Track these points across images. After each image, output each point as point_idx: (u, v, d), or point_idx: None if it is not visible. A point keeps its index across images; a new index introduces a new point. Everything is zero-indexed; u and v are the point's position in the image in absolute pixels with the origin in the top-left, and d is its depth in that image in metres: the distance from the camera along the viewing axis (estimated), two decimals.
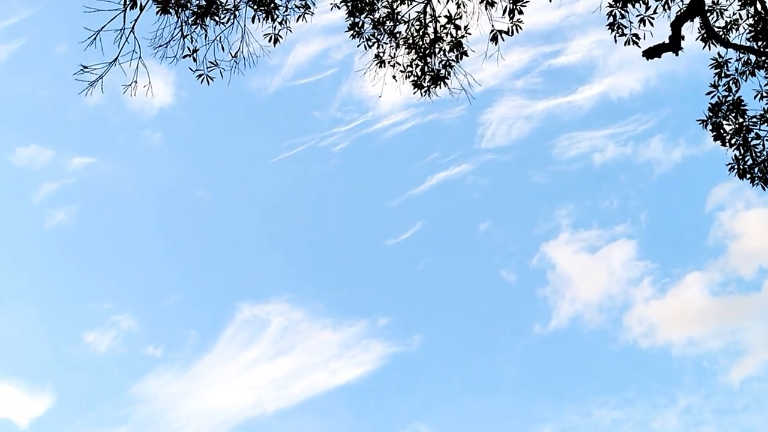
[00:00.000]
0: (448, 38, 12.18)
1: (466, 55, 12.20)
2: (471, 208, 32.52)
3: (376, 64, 12.37)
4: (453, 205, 32.86)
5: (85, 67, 8.95)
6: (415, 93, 12.58)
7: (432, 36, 12.22)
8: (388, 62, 12.40)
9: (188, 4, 10.43)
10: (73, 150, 30.40)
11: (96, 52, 8.80)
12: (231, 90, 28.60)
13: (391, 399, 29.91)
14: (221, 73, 11.04)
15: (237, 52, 11.01)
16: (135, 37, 9.22)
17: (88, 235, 31.51)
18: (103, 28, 8.78)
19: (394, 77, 12.46)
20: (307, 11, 11.64)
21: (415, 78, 12.51)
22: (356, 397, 29.79)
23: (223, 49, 10.92)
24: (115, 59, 9.13)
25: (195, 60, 10.84)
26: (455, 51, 12.24)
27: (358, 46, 12.26)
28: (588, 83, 30.54)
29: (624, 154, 30.92)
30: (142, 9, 9.76)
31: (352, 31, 12.10)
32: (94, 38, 8.76)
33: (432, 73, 12.38)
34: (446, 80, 12.41)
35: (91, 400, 29.04)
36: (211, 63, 10.98)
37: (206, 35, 10.78)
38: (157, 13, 10.23)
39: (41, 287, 30.75)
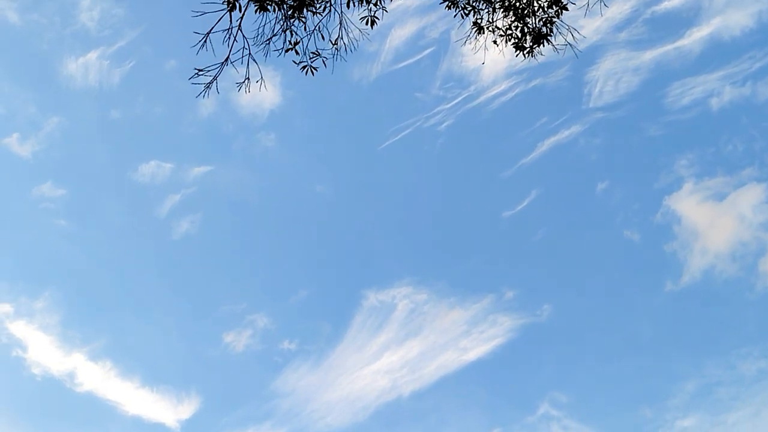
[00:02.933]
0: None
1: (566, 10, 11.86)
2: (586, 170, 31.85)
3: (475, 32, 12.18)
4: (567, 169, 32.28)
5: (199, 70, 9.16)
6: (517, 55, 12.33)
7: None
8: (487, 28, 12.19)
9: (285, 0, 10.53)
10: (192, 161, 31.49)
11: (208, 55, 9.01)
12: (335, 83, 28.98)
13: (525, 371, 29.70)
14: (324, 62, 11.11)
15: (337, 38, 11.06)
16: (243, 35, 9.38)
17: (215, 240, 32.60)
18: (211, 29, 8.97)
19: (495, 42, 12.23)
20: None
21: (516, 40, 12.25)
22: (489, 372, 29.75)
23: (323, 38, 10.99)
24: (227, 59, 9.31)
25: (297, 53, 10.94)
26: (554, 7, 11.91)
27: (455, 15, 12.10)
28: (695, 26, 29.35)
29: (742, 94, 29.58)
30: (242, 9, 9.93)
31: (447, 2, 11.95)
32: (204, 41, 8.96)
33: (533, 33, 12.10)
34: (549, 37, 12.10)
35: (235, 398, 30.09)
36: (313, 53, 11.05)
37: (305, 26, 10.86)
38: (255, 11, 10.38)
39: (177, 296, 32.02)
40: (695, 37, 29.37)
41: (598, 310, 30.90)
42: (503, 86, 29.54)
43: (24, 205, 29.85)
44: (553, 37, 12.02)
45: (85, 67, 28.18)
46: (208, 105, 29.60)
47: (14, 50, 28.93)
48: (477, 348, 29.50)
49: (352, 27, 11.19)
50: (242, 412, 29.44)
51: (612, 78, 29.87)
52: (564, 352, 30.41)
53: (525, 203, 31.29)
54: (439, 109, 30.36)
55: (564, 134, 30.61)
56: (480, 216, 32.93)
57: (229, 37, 9.28)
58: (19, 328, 28.02)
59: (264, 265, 32.84)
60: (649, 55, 29.79)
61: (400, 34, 29.28)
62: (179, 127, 31.84)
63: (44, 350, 28.20)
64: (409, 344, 29.97)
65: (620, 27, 29.33)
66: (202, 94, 9.40)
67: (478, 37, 12.20)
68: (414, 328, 30.14)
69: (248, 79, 9.68)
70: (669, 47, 29.77)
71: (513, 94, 29.90)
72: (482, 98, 30.02)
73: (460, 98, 30.17)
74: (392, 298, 30.62)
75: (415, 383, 29.20)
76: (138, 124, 31.11)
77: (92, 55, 28.40)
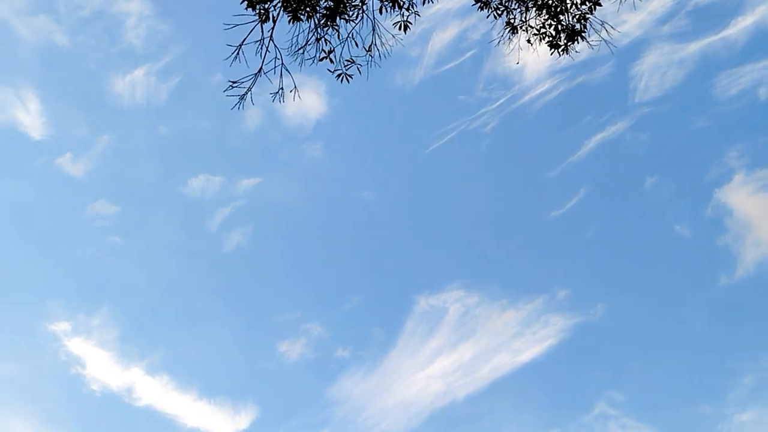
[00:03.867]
0: None
1: (599, 5, 11.78)
2: (634, 166, 31.44)
3: (509, 32, 12.18)
4: (615, 166, 31.90)
5: (233, 83, 9.36)
6: (552, 53, 12.28)
7: None
8: (520, 27, 12.17)
9: (317, 8, 10.67)
10: (240, 173, 31.98)
11: (241, 67, 9.19)
12: (378, 89, 29.18)
13: (580, 371, 29.41)
14: (359, 70, 11.22)
15: (370, 45, 11.16)
16: (275, 46, 9.55)
17: (265, 251, 33.03)
18: (243, 41, 9.16)
19: (528, 41, 12.20)
20: None
21: (550, 38, 12.20)
22: (544, 373, 29.56)
23: (357, 45, 11.09)
24: (259, 70, 9.49)
25: (332, 61, 11.07)
26: (587, 2, 11.84)
27: (487, 17, 12.11)
28: (740, 15, 28.77)
29: None
30: (274, 20, 10.10)
31: (479, 3, 11.97)
32: (237, 53, 9.15)
33: (567, 30, 12.03)
34: (582, 34, 12.03)
35: (291, 407, 30.41)
36: (348, 61, 11.17)
37: (338, 34, 10.98)
38: (289, 21, 10.54)
39: (231, 308, 32.50)
40: (740, 26, 28.75)
41: (651, 306, 30.43)
42: (547, 85, 29.33)
43: (79, 224, 30.65)
44: (587, 34, 11.95)
45: (132, 84, 28.88)
46: (254, 117, 30.05)
47: (64, 72, 29.78)
48: (530, 349, 29.33)
49: (386, 33, 11.28)
50: (298, 420, 29.73)
51: (657, 72, 29.44)
52: (618, 350, 30.03)
53: (573, 202, 31.01)
54: (483, 110, 30.30)
55: (610, 130, 30.26)
56: (528, 216, 32.76)
57: (261, 48, 9.46)
58: (78, 346, 28.75)
59: (315, 274, 33.18)
60: (694, 47, 29.27)
61: (441, 38, 29.32)
62: (227, 140, 32.38)
63: (102, 366, 28.88)
64: (462, 348, 29.94)
65: (663, 20, 28.89)
66: (237, 106, 9.59)
67: (512, 37, 12.20)
68: (466, 332, 30.11)
69: (282, 89, 9.85)
70: (713, 38, 29.21)
71: (557, 92, 29.66)
72: (526, 98, 29.86)
73: (504, 99, 30.06)
74: (443, 302, 30.63)
75: (469, 386, 29.15)
76: (186, 138, 31.75)
77: (139, 72, 29.08)
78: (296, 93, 9.87)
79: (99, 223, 30.32)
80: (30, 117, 28.28)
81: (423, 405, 29.01)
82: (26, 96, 28.24)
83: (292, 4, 10.24)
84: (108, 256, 30.99)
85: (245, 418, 28.90)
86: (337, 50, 11.06)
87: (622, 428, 27.60)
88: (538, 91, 29.52)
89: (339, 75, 11.17)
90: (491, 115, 30.25)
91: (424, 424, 28.87)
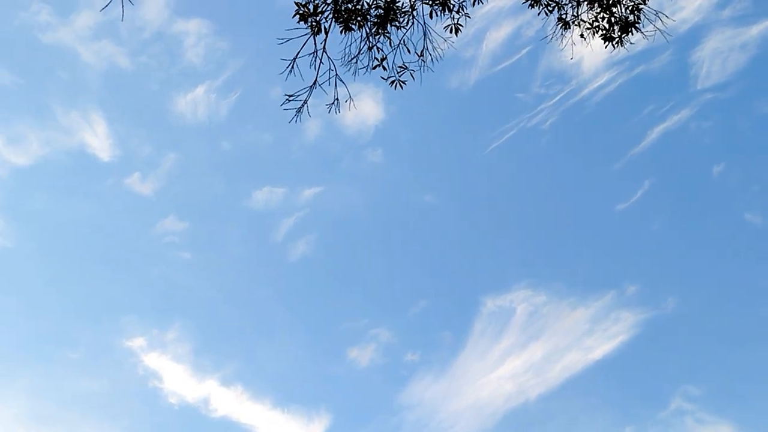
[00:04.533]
0: None
1: None
2: (700, 154, 30.75)
3: (561, 28, 12.09)
4: (680, 156, 31.24)
5: (289, 96, 9.52)
6: (606, 47, 12.15)
7: None
8: (573, 22, 12.07)
9: (367, 17, 10.78)
10: (302, 183, 32.39)
11: (297, 80, 9.35)
12: (435, 92, 29.23)
13: (654, 366, 28.90)
14: (412, 75, 11.28)
15: (422, 50, 11.21)
16: (329, 57, 9.68)
17: (331, 259, 33.35)
18: (297, 55, 9.32)
19: (582, 36, 12.09)
20: None
21: (604, 31, 12.06)
22: (616, 370, 29.14)
23: (408, 51, 11.16)
24: (314, 82, 9.63)
25: (385, 68, 11.16)
26: None
27: (538, 14, 12.04)
28: None
29: None
30: (326, 32, 10.24)
31: (529, 1, 11.91)
32: (291, 66, 9.32)
33: (620, 22, 11.88)
34: (636, 25, 11.87)
35: (364, 413, 30.61)
36: (400, 67, 11.24)
37: (390, 42, 11.07)
38: (341, 32, 10.68)
39: (299, 316, 32.91)
40: None
41: (724, 297, 29.69)
42: (605, 77, 28.89)
43: (149, 241, 31.45)
44: (642, 25, 11.78)
45: (194, 102, 29.54)
46: (314, 127, 30.42)
47: (128, 93, 30.63)
48: (602, 346, 28.93)
49: (437, 37, 11.32)
50: (372, 426, 29.91)
51: (719, 57, 28.72)
52: (693, 343, 29.37)
53: (638, 194, 30.46)
54: (541, 107, 30.02)
55: (673, 120, 29.64)
56: (593, 211, 32.32)
57: (315, 60, 9.61)
58: (154, 360, 29.47)
59: (381, 280, 33.35)
60: (757, 30, 28.48)
61: (495, 37, 29.17)
62: (288, 152, 32.83)
63: (179, 379, 29.55)
64: (532, 348, 29.71)
65: (723, 4, 28.21)
66: (294, 119, 9.75)
67: (564, 33, 12.10)
68: (535, 331, 29.87)
69: (337, 99, 9.98)
70: None
71: (616, 84, 29.18)
72: (585, 92, 29.46)
73: (562, 94, 29.73)
74: (510, 302, 30.45)
75: (541, 386, 28.91)
76: (248, 152, 32.28)
77: (200, 90, 29.72)
78: (351, 102, 10.00)
79: (169, 239, 31.08)
80: (98, 139, 29.19)
81: (495, 406, 28.89)
82: (93, 119, 29.16)
83: (343, 15, 10.37)
84: (179, 272, 31.73)
85: (319, 426, 29.21)
86: (390, 57, 11.15)
87: (699, 423, 27.02)
88: (597, 84, 29.10)
89: (392, 82, 11.25)
90: (550, 111, 29.96)
91: (498, 425, 28.74)
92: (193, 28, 28.85)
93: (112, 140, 29.50)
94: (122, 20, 8.31)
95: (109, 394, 29.60)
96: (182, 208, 31.77)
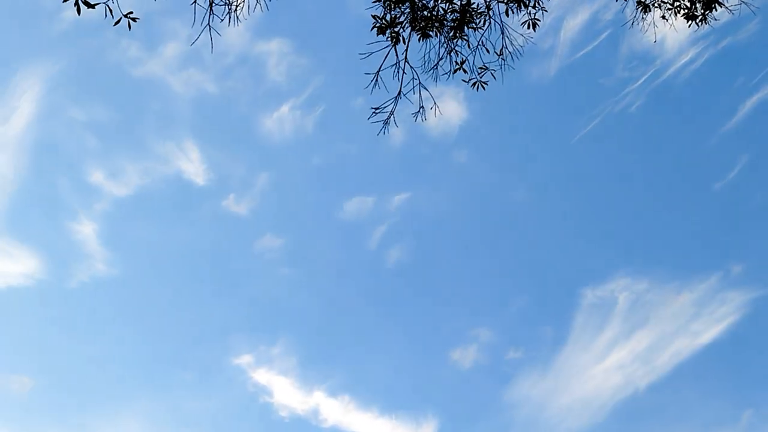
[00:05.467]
0: None
1: None
2: None
3: (641, 11, 11.86)
4: None
5: (375, 109, 9.67)
6: (690, 25, 11.85)
7: None
8: (652, 4, 11.83)
9: (444, 22, 10.84)
10: (392, 190, 32.64)
11: (381, 92, 9.49)
12: (515, 86, 29.04)
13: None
14: (493, 75, 11.27)
15: (501, 49, 11.18)
16: (410, 66, 9.78)
17: (426, 262, 33.47)
18: (380, 68, 9.46)
19: (663, 17, 11.84)
20: None
21: (686, 10, 11.78)
22: (728, 353, 28.30)
23: (487, 51, 11.15)
24: (399, 93, 9.75)
25: (465, 71, 11.19)
26: None
27: (616, 0, 11.85)
28: None
29: None
30: (405, 41, 10.35)
31: None
32: (375, 79, 9.46)
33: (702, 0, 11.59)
34: (719, 1, 11.55)
35: (471, 414, 30.60)
36: (480, 68, 11.25)
37: (468, 44, 11.09)
38: (419, 40, 10.76)
39: (399, 322, 33.17)
40: None
41: None
42: (691, 53, 28.03)
43: (249, 260, 32.26)
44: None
45: (280, 120, 30.20)
46: (399, 133, 30.63)
47: (216, 118, 31.54)
48: (710, 330, 28.10)
49: (515, 34, 11.27)
50: (480, 427, 29.86)
51: None
52: None
53: (736, 170, 29.44)
54: (627, 90, 29.32)
55: (766, 90, 28.53)
56: (689, 192, 31.40)
57: (397, 71, 9.72)
58: (262, 376, 30.21)
59: (478, 279, 33.27)
60: None
61: (573, 25, 28.66)
62: (375, 160, 33.16)
63: (287, 393, 30.19)
64: (637, 337, 29.08)
65: None
66: (382, 131, 9.89)
67: (645, 16, 11.87)
68: (639, 320, 29.23)
69: (422, 107, 10.07)
70: None
71: (703, 59, 28.25)
72: (671, 70, 28.63)
73: (647, 75, 28.96)
74: (611, 292, 29.89)
75: (650, 376, 28.27)
76: (337, 164, 32.76)
77: (285, 109, 30.34)
78: (436, 108, 10.07)
79: (268, 256, 31.81)
80: (192, 165, 30.16)
81: (604, 399, 28.41)
82: (187, 146, 30.17)
83: (420, 23, 10.46)
84: (280, 287, 32.44)
85: (427, 430, 29.35)
86: (470, 59, 11.17)
87: None
88: (682, 62, 28.25)
89: (474, 83, 11.27)
90: (636, 93, 29.24)
91: (608, 417, 28.26)
92: (274, 48, 29.51)
93: (206, 165, 30.43)
94: (212, 52, 8.63)
95: (223, 411, 30.50)
96: (278, 224, 32.50)
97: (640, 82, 28.99)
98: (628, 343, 28.85)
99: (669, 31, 11.97)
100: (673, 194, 31.72)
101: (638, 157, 32.03)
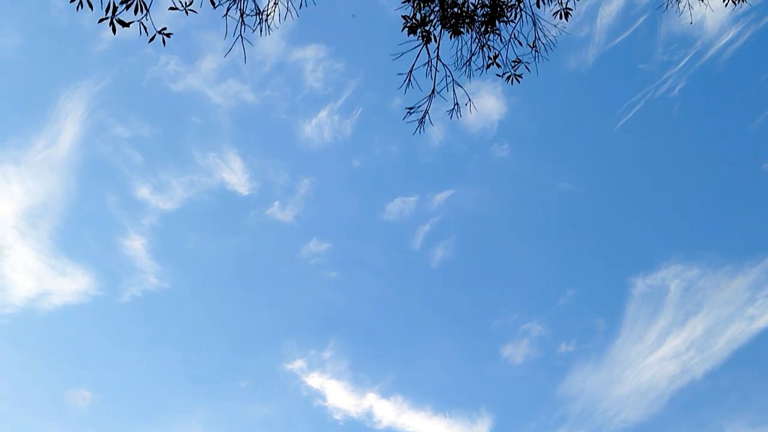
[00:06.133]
0: None
1: None
2: None
3: None
4: None
5: (410, 109, 9.68)
6: (726, 4, 11.62)
7: None
8: None
9: (475, 17, 10.80)
10: (433, 189, 32.65)
11: (415, 91, 9.52)
12: (554, 76, 28.77)
13: None
14: (527, 67, 11.18)
15: (534, 41, 11.10)
16: (443, 64, 9.78)
17: (472, 259, 33.41)
18: (413, 67, 9.48)
19: None
20: None
21: None
22: None
23: (520, 44, 11.07)
24: (432, 91, 9.75)
25: (498, 65, 11.13)
26: None
27: None
28: None
29: None
30: (437, 39, 10.34)
31: None
32: (408, 79, 9.48)
33: None
34: None
35: (525, 410, 30.47)
36: (514, 62, 11.18)
37: (500, 38, 11.03)
38: (450, 37, 10.74)
39: (448, 320, 33.16)
40: None
41: None
42: (732, 33, 27.43)
43: (297, 265, 32.57)
44: None
45: (319, 126, 30.43)
46: (438, 132, 30.59)
47: (257, 127, 31.93)
48: (766, 313, 27.53)
49: (547, 25, 11.18)
50: (535, 422, 29.70)
51: None
52: None
53: None
54: (667, 74, 28.83)
55: None
56: (736, 174, 30.78)
57: (430, 69, 9.72)
58: (315, 380, 30.47)
59: (526, 273, 33.08)
60: None
61: (608, 11, 28.28)
62: (415, 160, 33.19)
63: (340, 396, 30.42)
64: (691, 324, 28.58)
65: None
66: (417, 130, 9.90)
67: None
68: (692, 307, 28.74)
69: (457, 104, 10.05)
70: None
71: (744, 38, 27.63)
72: (712, 51, 28.07)
73: (687, 58, 28.45)
74: (662, 280, 29.44)
75: (707, 363, 27.79)
76: (377, 166, 32.88)
77: (323, 114, 30.56)
78: (471, 104, 10.04)
79: (315, 261, 32.07)
80: (235, 175, 30.57)
81: (660, 388, 28.01)
82: (229, 156, 30.59)
83: (450, 20, 10.44)
84: (328, 291, 32.68)
85: (482, 428, 29.25)
86: (503, 53, 11.10)
87: None
88: (723, 42, 27.67)
89: (508, 77, 11.20)
90: (677, 77, 28.74)
91: (666, 407, 27.86)
92: (310, 54, 29.76)
93: (249, 174, 30.82)
94: (245, 62, 8.73)
95: (279, 417, 30.84)
96: (323, 229, 32.74)
97: (680, 65, 28.51)
98: (683, 330, 28.39)
99: (708, 11, 11.77)
100: (721, 177, 31.16)
101: (683, 141, 31.51)
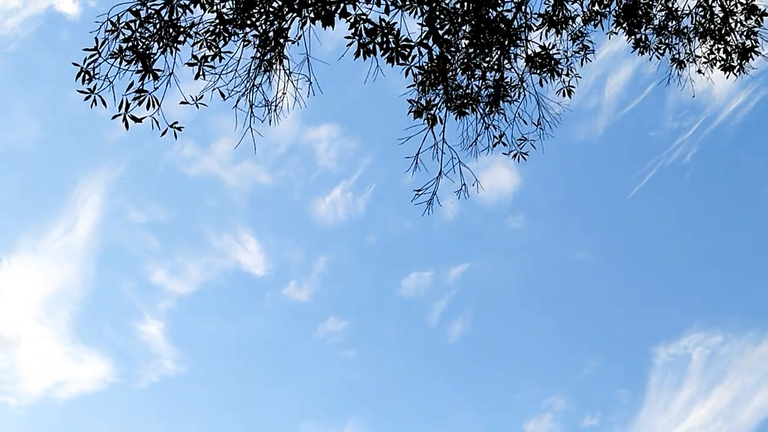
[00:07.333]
0: (739, 8, 11.41)
1: (767, 15, 11.32)
2: None
3: (676, 67, 11.91)
4: None
5: (417, 191, 9.84)
6: (728, 76, 11.84)
7: (721, 15, 11.51)
8: (687, 60, 11.87)
9: (479, 98, 11.05)
10: (448, 263, 32.49)
11: (422, 173, 9.70)
12: (565, 147, 28.86)
13: None
14: (533, 145, 11.36)
15: (539, 119, 11.30)
16: (448, 146, 9.96)
17: (490, 334, 32.97)
18: (419, 150, 9.66)
19: (699, 71, 11.86)
20: (587, 53, 11.75)
21: (722, 62, 11.78)
22: None
23: (525, 122, 11.27)
24: (439, 173, 9.92)
25: (504, 144, 11.31)
26: (751, 17, 11.40)
27: (650, 59, 11.93)
28: None
29: None
30: (442, 122, 10.54)
31: (637, 49, 11.84)
32: (415, 162, 9.67)
33: (738, 50, 11.58)
34: (755, 50, 11.55)
35: None
36: (519, 139, 11.36)
37: (505, 117, 11.24)
38: (455, 118, 10.96)
39: (469, 397, 32.51)
40: None
41: None
42: (741, 98, 27.61)
43: (314, 345, 32.40)
44: (761, 47, 11.44)
45: (333, 204, 30.67)
46: (451, 206, 30.74)
47: (272, 207, 32.23)
48: None
49: (551, 102, 11.38)
50: None
51: None
52: None
53: None
54: (678, 141, 28.96)
55: None
56: (756, 237, 30.56)
57: (436, 152, 9.91)
58: None
59: (546, 346, 32.68)
60: None
61: (617, 81, 28.61)
62: (429, 235, 33.26)
63: None
64: (716, 393, 27.99)
65: None
66: (426, 211, 10.03)
67: (681, 72, 11.91)
68: (717, 375, 28.20)
69: (464, 185, 10.19)
70: None
71: (754, 102, 27.76)
72: (722, 117, 28.22)
73: (697, 124, 28.58)
74: (684, 348, 28.98)
75: None
76: (392, 242, 32.94)
77: (336, 192, 30.83)
78: (478, 185, 10.19)
79: (332, 340, 31.90)
80: (251, 257, 30.75)
81: None
82: (244, 238, 30.83)
83: (455, 102, 10.68)
84: (346, 370, 32.39)
85: None
86: (508, 132, 11.29)
87: None
88: (734, 106, 27.82)
89: (515, 155, 11.37)
90: (688, 143, 28.86)
91: None
92: (323, 134, 30.21)
93: (265, 255, 30.99)
94: (254, 152, 8.95)
95: None
96: (340, 307, 32.63)
97: (691, 131, 28.65)
98: (708, 400, 27.79)
99: (715, 77, 11.99)
100: (738, 241, 30.92)
101: (698, 206, 31.47)
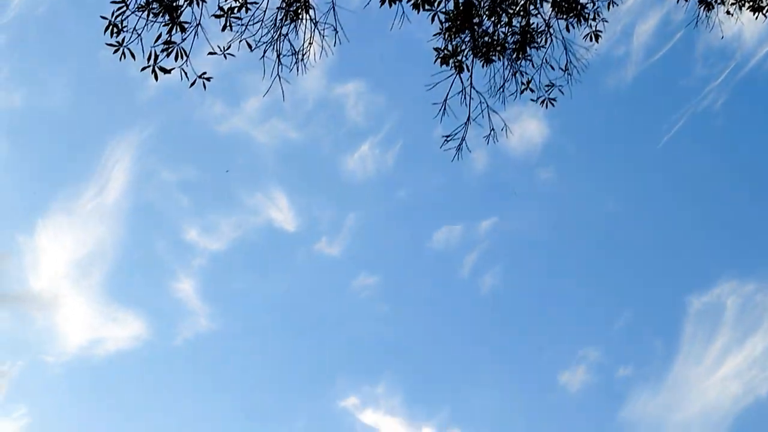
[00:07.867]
0: None
1: None
2: None
3: (704, 10, 11.71)
4: None
5: (446, 137, 9.83)
6: (756, 17, 11.63)
7: None
8: (715, 1, 11.67)
9: (506, 45, 10.96)
10: (478, 216, 32.49)
11: (451, 119, 9.68)
12: (594, 96, 28.63)
13: None
14: (561, 91, 11.28)
15: (566, 64, 11.20)
16: (477, 92, 9.93)
17: (522, 285, 33.02)
18: (447, 96, 9.64)
19: (728, 12, 11.65)
20: None
21: (750, 3, 11.57)
22: None
23: (552, 68, 11.18)
24: (468, 119, 9.90)
25: (532, 90, 11.24)
26: None
27: (677, 1, 11.73)
28: None
29: None
30: (469, 69, 10.50)
31: None
32: (443, 108, 9.65)
33: None
34: None
35: None
36: (547, 86, 11.28)
37: (532, 63, 11.15)
38: (482, 65, 10.90)
39: (502, 349, 32.67)
40: None
41: None
42: None
43: (347, 300, 32.62)
44: None
45: (362, 159, 30.70)
46: (481, 158, 30.56)
47: (301, 164, 32.31)
48: None
49: (579, 48, 11.27)
50: None
51: None
52: None
53: None
54: (708, 89, 28.56)
55: None
56: None
57: (464, 98, 9.88)
58: (369, 417, 30.30)
59: (579, 297, 32.69)
60: None
61: (645, 29, 28.14)
62: (459, 188, 33.22)
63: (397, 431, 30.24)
64: (751, 341, 27.95)
65: None
66: (455, 157, 10.03)
67: (709, 15, 11.70)
68: (751, 324, 28.14)
69: (493, 129, 10.17)
70: None
71: None
72: (752, 62, 27.74)
73: (728, 71, 28.12)
74: (718, 297, 28.90)
75: None
76: (421, 196, 32.95)
77: (365, 147, 30.83)
78: (507, 130, 10.16)
79: (365, 294, 32.10)
80: (282, 213, 30.93)
81: (725, 409, 27.33)
82: (275, 195, 31.00)
83: (482, 49, 10.61)
84: (379, 324, 32.62)
85: None
86: (535, 78, 11.21)
87: None
88: (764, 51, 27.35)
89: (543, 101, 11.31)
90: (718, 90, 28.46)
91: (731, 428, 27.16)
92: (350, 89, 30.16)
93: (295, 211, 31.15)
94: (284, 101, 8.98)
95: None
96: (371, 262, 32.81)
97: (721, 78, 28.25)
98: (743, 349, 27.75)
99: (746, 21, 11.79)
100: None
101: (729, 154, 31.14)
